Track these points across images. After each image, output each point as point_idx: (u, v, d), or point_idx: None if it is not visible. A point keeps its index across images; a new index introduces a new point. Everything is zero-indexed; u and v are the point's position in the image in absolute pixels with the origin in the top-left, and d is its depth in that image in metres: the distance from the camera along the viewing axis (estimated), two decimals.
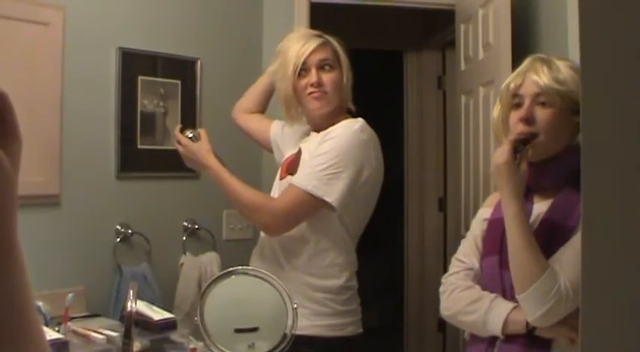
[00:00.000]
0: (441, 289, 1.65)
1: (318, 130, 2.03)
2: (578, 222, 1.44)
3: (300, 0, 2.94)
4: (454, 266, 1.68)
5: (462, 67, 3.10)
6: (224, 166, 2.02)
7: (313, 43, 1.96)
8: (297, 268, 1.95)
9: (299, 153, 2.04)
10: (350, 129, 1.91)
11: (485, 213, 1.70)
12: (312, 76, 1.94)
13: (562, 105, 1.50)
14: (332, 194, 1.85)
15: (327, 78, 1.95)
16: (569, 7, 2.42)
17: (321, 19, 2.94)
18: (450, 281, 1.64)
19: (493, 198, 1.75)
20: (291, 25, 2.82)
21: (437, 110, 4.22)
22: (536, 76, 1.52)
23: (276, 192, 2.06)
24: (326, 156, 1.88)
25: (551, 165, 1.53)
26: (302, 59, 1.93)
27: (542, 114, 1.51)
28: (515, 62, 2.56)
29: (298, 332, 1.56)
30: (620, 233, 0.62)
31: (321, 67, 1.96)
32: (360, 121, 1.96)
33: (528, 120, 1.51)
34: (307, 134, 2.11)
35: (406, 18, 4.05)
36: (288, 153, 2.12)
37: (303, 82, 1.95)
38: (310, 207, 1.88)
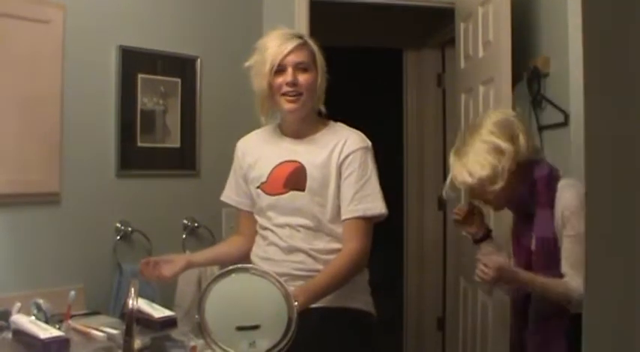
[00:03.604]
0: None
1: (300, 136, 2.01)
2: (555, 225, 1.83)
3: None
4: None
5: (462, 65, 3.10)
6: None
7: (291, 44, 1.95)
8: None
9: (301, 166, 1.99)
10: (366, 146, 1.99)
11: None
12: (288, 75, 1.94)
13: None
14: (383, 205, 1.97)
15: (303, 78, 1.95)
16: (569, 5, 2.42)
17: (321, 18, 2.95)
18: None
19: None
20: (291, 23, 2.82)
21: (436, 108, 4.21)
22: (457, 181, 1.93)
23: (270, 205, 2.00)
24: (364, 178, 1.95)
25: (511, 205, 1.99)
26: (279, 59, 1.93)
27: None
28: (515, 60, 2.57)
29: (330, 305, 1.78)
30: (620, 233, 0.62)
31: (297, 68, 1.96)
32: (358, 133, 2.00)
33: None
34: (273, 139, 2.06)
35: (406, 16, 4.04)
36: (267, 168, 2.03)
37: (279, 80, 1.95)
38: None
